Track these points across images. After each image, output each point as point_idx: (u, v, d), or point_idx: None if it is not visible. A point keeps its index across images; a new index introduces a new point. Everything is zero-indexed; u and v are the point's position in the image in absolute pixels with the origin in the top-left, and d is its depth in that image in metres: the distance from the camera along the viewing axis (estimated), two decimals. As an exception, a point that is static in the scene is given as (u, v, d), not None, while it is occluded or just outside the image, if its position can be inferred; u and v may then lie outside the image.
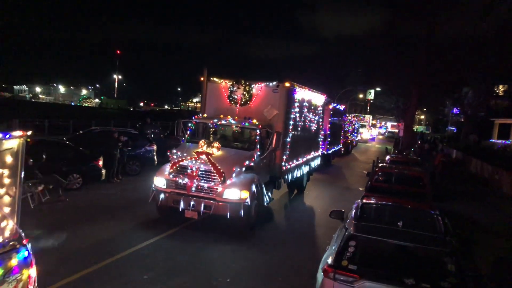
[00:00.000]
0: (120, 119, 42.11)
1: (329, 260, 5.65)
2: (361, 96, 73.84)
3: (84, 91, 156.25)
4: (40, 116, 33.45)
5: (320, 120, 17.89)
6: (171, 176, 10.33)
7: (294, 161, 13.99)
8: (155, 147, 18.66)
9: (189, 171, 10.20)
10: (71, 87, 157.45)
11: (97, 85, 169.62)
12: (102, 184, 14.90)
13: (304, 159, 15.47)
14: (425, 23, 29.62)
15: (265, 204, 11.55)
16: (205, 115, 12.43)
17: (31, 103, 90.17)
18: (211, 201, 9.99)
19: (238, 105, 12.50)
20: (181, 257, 8.72)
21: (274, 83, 12.42)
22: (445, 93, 39.26)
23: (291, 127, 12.98)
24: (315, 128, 16.80)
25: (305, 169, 16.15)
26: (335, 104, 26.17)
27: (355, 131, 43.66)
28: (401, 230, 6.17)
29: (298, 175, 15.08)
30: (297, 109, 13.52)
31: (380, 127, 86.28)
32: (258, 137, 11.29)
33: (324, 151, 24.83)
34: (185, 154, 10.55)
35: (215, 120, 11.63)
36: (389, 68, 33.25)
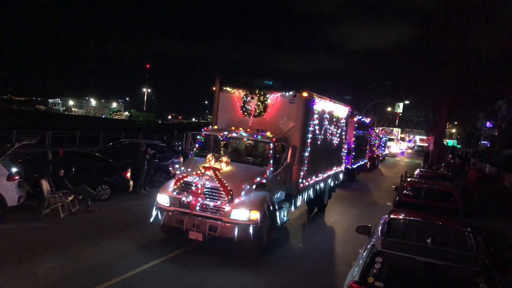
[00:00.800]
0: (149, 131, 42.56)
1: (354, 277, 5.47)
2: (389, 109, 72.07)
3: (114, 104, 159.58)
4: (72, 128, 33.85)
5: (343, 133, 16.78)
6: (174, 193, 9.46)
7: (313, 177, 12.93)
8: (182, 159, 18.08)
9: (193, 188, 9.30)
10: (102, 100, 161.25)
11: (127, 99, 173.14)
12: (129, 195, 14.98)
13: (325, 174, 14.37)
14: (458, 34, 28.53)
15: (279, 225, 10.52)
16: (215, 127, 11.56)
17: (64, 115, 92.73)
18: (218, 222, 9.05)
19: (251, 117, 11.60)
20: (181, 284, 7.80)
21: (291, 92, 11.47)
22: (478, 106, 37.97)
23: (309, 140, 11.97)
24: (337, 142, 15.70)
25: (326, 185, 15.03)
26: (360, 117, 24.96)
27: (382, 144, 42.07)
28: (431, 247, 6.00)
29: (318, 192, 14.00)
30: (316, 121, 12.51)
31: (409, 141, 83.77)
32: (271, 152, 10.32)
33: (348, 166, 23.65)
34: (190, 169, 9.68)
35: (225, 133, 10.74)
36: (419, 81, 32.22)
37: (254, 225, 9.00)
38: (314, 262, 9.89)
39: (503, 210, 18.93)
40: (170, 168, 17.32)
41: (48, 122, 46.46)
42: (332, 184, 15.91)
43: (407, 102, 53.97)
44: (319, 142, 13.13)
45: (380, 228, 6.78)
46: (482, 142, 62.31)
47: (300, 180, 11.57)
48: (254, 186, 9.54)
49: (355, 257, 6.79)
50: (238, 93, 11.87)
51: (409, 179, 14.47)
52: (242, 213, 9.00)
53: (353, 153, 24.22)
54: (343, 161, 17.60)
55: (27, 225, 10.68)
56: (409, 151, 75.09)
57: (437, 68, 30.06)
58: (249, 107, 11.68)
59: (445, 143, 52.64)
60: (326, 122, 13.80)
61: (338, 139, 15.83)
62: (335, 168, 15.83)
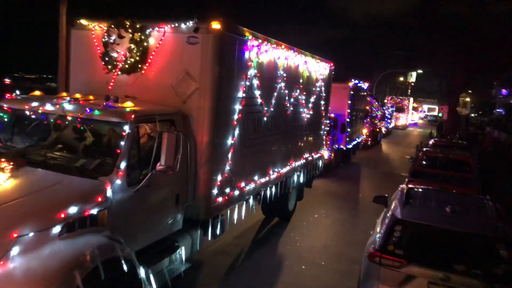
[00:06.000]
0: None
1: (375, 245, 5.50)
2: (402, 79, 67.02)
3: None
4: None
5: (321, 102, 11.18)
6: None
7: (256, 178, 7.50)
8: None
9: None
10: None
11: None
12: None
13: (285, 169, 8.89)
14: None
15: None
16: (63, 94, 5.93)
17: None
18: None
19: (116, 72, 6.09)
20: None
21: (190, 23, 5.87)
22: (494, 73, 37.23)
23: (236, 115, 6.48)
24: (310, 116, 10.15)
25: (290, 184, 9.58)
26: (357, 81, 19.20)
27: (388, 116, 36.22)
28: (450, 215, 5.89)
29: (275, 195, 8.62)
30: (254, 81, 6.99)
31: (421, 111, 77.90)
32: (125, 143, 4.82)
33: (342, 146, 18.12)
34: None
35: (34, 104, 5.20)
36: (433, 50, 30.54)
37: None
38: None
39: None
40: None
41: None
42: (302, 180, 10.43)
43: (420, 71, 50.01)
44: (265, 118, 7.63)
45: (398, 197, 6.65)
46: (497, 110, 60.08)
47: (214, 192, 6.13)
48: (57, 229, 4.09)
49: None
50: (99, 30, 6.30)
51: (424, 149, 14.29)
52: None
53: (349, 130, 18.63)
54: (323, 142, 12.04)
55: None
56: (420, 121, 69.55)
57: (451, 35, 28.25)
58: (115, 54, 6.13)
59: (460, 112, 48.84)
60: (282, 85, 8.24)
61: (312, 112, 10.26)
62: (306, 155, 10.31)
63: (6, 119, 5.37)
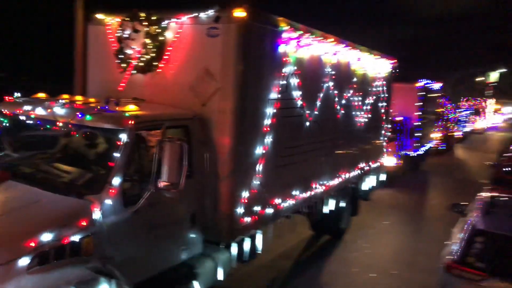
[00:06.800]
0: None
1: (453, 256, 5.30)
2: (481, 79, 62.70)
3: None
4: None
5: (381, 104, 9.85)
6: None
7: (298, 193, 6.45)
8: None
9: None
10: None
11: None
12: None
13: (335, 181, 7.73)
14: None
15: None
16: (78, 98, 5.27)
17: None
18: None
19: (128, 71, 5.35)
20: None
21: (211, 12, 4.97)
22: None
23: (268, 120, 5.49)
24: (367, 120, 8.90)
25: (343, 198, 8.41)
26: (427, 82, 17.33)
27: (465, 119, 33.18)
28: None
29: (320, 213, 7.53)
30: (294, 81, 5.96)
31: (503, 113, 71.77)
32: (121, 155, 4.01)
33: (410, 152, 16.44)
34: None
35: (27, 108, 4.55)
36: None
37: None
38: None
39: None
40: None
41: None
42: (356, 193, 9.18)
43: (503, 70, 45.95)
44: (307, 123, 6.55)
45: (478, 205, 6.35)
46: None
47: (238, 211, 5.17)
48: (26, 260, 3.34)
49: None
50: (116, 24, 5.60)
51: (508, 154, 13.12)
52: None
53: (418, 134, 16.88)
54: (384, 149, 10.65)
55: None
56: (503, 125, 63.98)
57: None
58: (130, 51, 5.39)
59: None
60: (330, 84, 7.11)
61: (369, 115, 9.00)
62: (362, 165, 9.04)
63: (4, 124, 4.81)
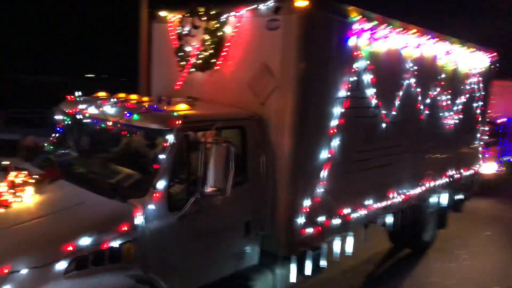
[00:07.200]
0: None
1: None
2: None
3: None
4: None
5: (476, 104, 8.69)
6: None
7: (371, 202, 5.80)
8: None
9: None
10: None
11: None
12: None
13: (416, 190, 6.91)
14: None
15: None
16: (132, 96, 5.20)
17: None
18: None
19: (186, 68, 5.14)
20: None
21: (271, 3, 4.57)
22: None
23: (335, 121, 4.95)
24: (458, 122, 7.89)
25: (426, 207, 7.53)
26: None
27: None
28: None
29: (398, 224, 6.77)
30: (367, 77, 5.34)
31: None
32: (168, 156, 3.77)
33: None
34: None
35: (82, 106, 4.50)
36: None
37: None
38: None
39: None
40: None
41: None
42: (444, 203, 8.18)
43: None
44: (384, 125, 5.87)
45: None
46: None
47: (299, 221, 4.70)
48: (63, 264, 3.21)
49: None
50: (176, 20, 5.44)
51: None
52: None
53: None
54: (479, 155, 9.42)
55: None
56: None
57: None
58: (189, 48, 5.19)
59: None
60: (412, 81, 6.34)
61: (461, 116, 7.97)
62: (451, 172, 8.03)
63: (67, 123, 4.84)
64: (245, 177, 4.40)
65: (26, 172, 3.89)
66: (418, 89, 6.53)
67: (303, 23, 4.40)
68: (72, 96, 4.80)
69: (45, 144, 4.81)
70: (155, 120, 3.92)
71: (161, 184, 3.70)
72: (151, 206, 3.64)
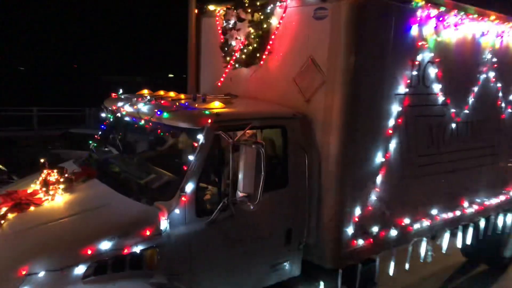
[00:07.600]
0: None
1: None
2: None
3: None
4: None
5: None
6: None
7: (437, 212, 5.14)
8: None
9: None
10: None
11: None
12: None
13: (495, 200, 6.06)
14: None
15: None
16: (170, 94, 4.94)
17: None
18: None
19: (231, 62, 4.85)
20: None
21: (318, -10, 4.13)
22: None
23: (392, 120, 4.39)
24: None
25: (506, 222, 6.60)
26: None
27: None
28: None
29: (472, 238, 6.00)
30: (433, 71, 4.70)
31: None
32: (195, 158, 3.51)
33: None
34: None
35: (120, 104, 4.36)
36: None
37: None
38: None
39: None
40: None
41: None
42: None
43: None
44: (453, 125, 5.18)
45: None
46: None
47: (348, 231, 4.23)
48: (81, 269, 3.06)
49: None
50: (223, 14, 5.18)
51: None
52: None
53: None
54: None
55: None
56: None
57: None
58: (233, 43, 4.90)
59: None
60: (491, 75, 5.54)
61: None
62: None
63: (110, 121, 4.79)
64: (285, 181, 4.01)
65: (59, 170, 3.84)
66: (499, 84, 5.70)
67: (353, 11, 3.91)
68: (115, 94, 4.73)
69: (90, 142, 4.78)
70: (184, 119, 3.67)
71: (189, 187, 3.45)
72: (177, 211, 3.40)
